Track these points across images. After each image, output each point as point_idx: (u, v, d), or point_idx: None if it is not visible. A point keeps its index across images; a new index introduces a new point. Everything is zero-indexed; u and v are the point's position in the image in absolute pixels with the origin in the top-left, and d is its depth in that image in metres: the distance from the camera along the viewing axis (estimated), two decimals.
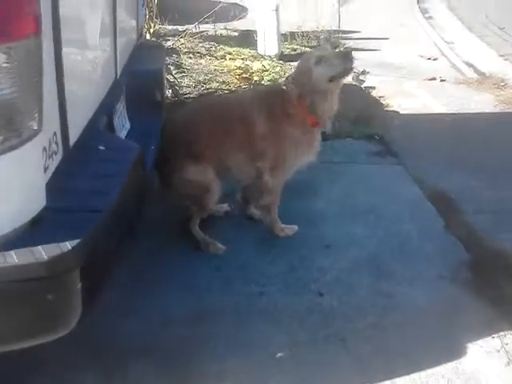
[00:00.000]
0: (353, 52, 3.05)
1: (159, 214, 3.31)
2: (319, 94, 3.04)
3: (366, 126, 5.32)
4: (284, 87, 3.14)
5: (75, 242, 1.42)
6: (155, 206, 3.16)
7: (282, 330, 2.61)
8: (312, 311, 2.73)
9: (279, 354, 2.46)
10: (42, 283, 1.38)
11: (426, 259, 3.22)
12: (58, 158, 1.72)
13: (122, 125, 2.89)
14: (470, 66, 8.24)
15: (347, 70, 3.00)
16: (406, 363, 2.43)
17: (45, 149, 1.57)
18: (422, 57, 8.78)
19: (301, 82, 3.04)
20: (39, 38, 1.44)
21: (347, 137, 5.10)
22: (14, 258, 1.35)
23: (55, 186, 1.64)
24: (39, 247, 1.38)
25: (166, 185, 3.18)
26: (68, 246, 1.39)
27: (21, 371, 2.24)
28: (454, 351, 2.53)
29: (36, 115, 1.46)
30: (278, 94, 3.13)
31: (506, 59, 8.33)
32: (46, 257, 1.35)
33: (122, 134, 2.85)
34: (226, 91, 6.04)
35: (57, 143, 1.70)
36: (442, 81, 7.37)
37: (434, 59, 8.75)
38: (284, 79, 3.25)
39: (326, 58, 2.98)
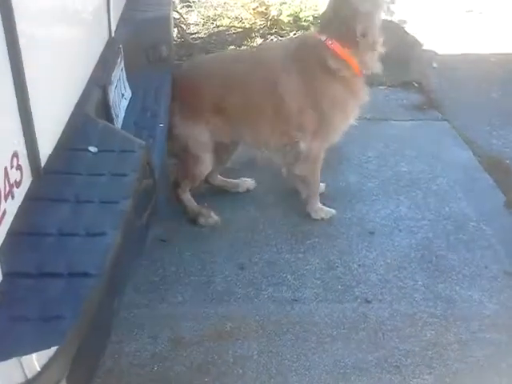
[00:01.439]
0: None
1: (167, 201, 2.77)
2: (371, 25, 2.46)
3: (402, 70, 4.61)
4: (320, 37, 2.52)
5: (52, 350, 0.90)
6: (165, 187, 2.63)
7: (323, 351, 2.15)
8: (358, 326, 2.25)
9: None
10: None
11: (488, 249, 2.70)
12: (23, 189, 1.17)
13: (122, 94, 2.29)
14: None
15: None
16: None
17: None
18: None
19: (342, 19, 2.43)
20: None
21: (380, 84, 4.43)
22: None
23: (19, 237, 1.10)
24: None
25: None
26: (41, 359, 0.87)
27: None
28: None
29: None
30: (314, 47, 2.52)
31: None
32: None
33: (122, 106, 2.26)
34: (239, 28, 5.30)
35: (19, 167, 1.15)
36: (480, 13, 6.51)
37: None
38: (317, 25, 2.60)
39: None
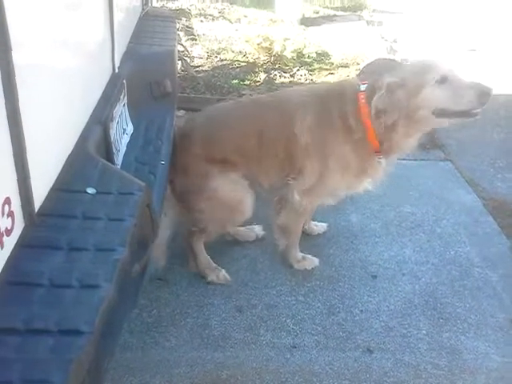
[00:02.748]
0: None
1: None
2: (408, 123, 2.24)
3: None
4: (361, 87, 2.33)
5: None
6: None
7: None
8: (360, 377, 2.15)
9: None
10: None
11: (493, 296, 2.62)
12: (14, 237, 1.11)
13: (123, 129, 2.25)
14: None
15: (472, 113, 2.16)
16: None
17: None
18: (455, 22, 7.91)
19: (396, 97, 2.18)
20: None
21: None
22: None
23: (8, 287, 1.04)
24: None
25: (179, 197, 2.49)
26: None
27: None
28: None
29: None
30: (346, 96, 2.35)
31: None
32: None
33: (124, 141, 2.22)
34: (243, 63, 5.33)
35: (11, 214, 1.08)
36: (482, 52, 6.57)
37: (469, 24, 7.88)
38: (360, 75, 2.46)
39: (452, 81, 2.17)
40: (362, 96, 2.29)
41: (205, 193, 2.41)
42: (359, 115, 2.29)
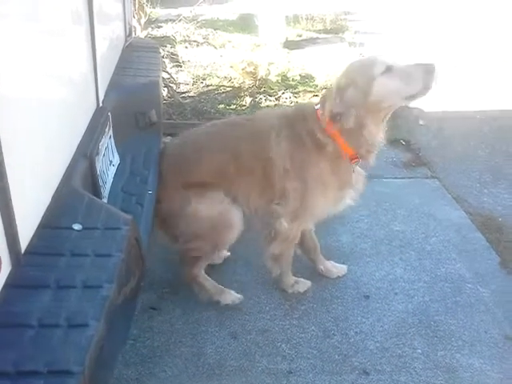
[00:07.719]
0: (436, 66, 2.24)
1: (158, 264, 2.68)
2: (373, 117, 2.29)
3: (389, 127, 4.65)
4: (317, 106, 2.41)
5: None
6: (151, 252, 2.55)
7: None
8: None
9: None
10: None
11: (486, 312, 2.63)
12: (0, 281, 1.10)
13: (110, 161, 2.26)
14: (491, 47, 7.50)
15: (425, 91, 2.23)
16: None
17: None
18: (434, 41, 8.06)
19: (348, 97, 2.23)
20: None
21: None
22: None
23: None
24: None
25: (163, 225, 2.49)
26: None
27: None
28: None
29: None
30: (307, 116, 2.41)
31: None
32: None
33: (110, 172, 2.23)
34: (228, 88, 5.38)
35: None
36: (464, 69, 6.68)
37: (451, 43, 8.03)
38: (321, 96, 2.51)
39: (398, 68, 2.23)
40: (321, 112, 2.36)
41: (185, 218, 2.40)
42: (324, 130, 2.34)
